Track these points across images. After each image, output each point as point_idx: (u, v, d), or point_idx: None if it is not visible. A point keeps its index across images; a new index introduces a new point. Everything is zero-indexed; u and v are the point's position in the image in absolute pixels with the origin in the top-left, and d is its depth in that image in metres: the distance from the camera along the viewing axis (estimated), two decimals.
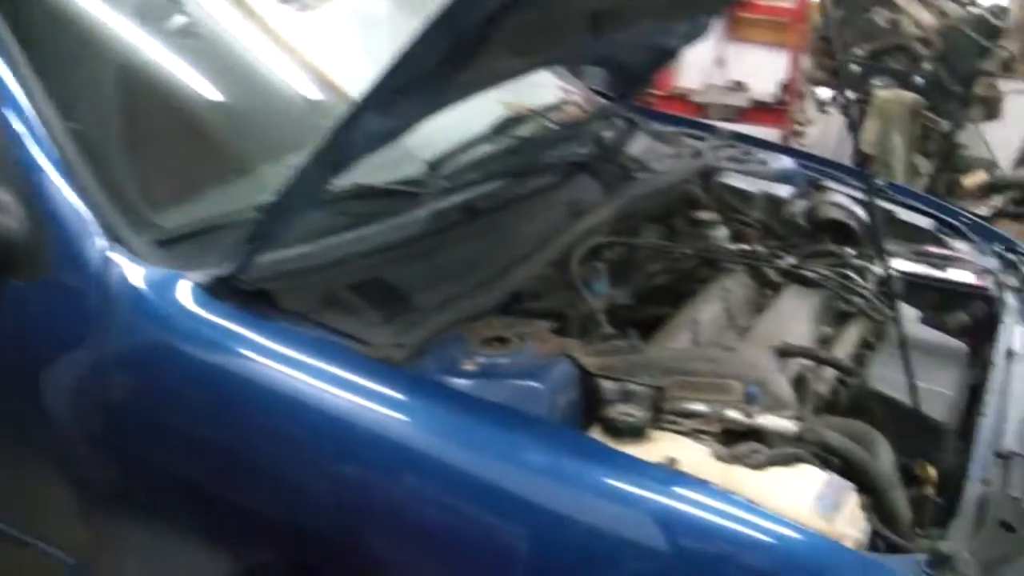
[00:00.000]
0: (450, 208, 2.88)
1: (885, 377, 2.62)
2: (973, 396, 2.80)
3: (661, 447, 2.18)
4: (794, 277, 3.15)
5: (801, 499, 2.04)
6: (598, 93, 4.26)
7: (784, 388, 2.47)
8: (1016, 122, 7.01)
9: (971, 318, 3.35)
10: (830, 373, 2.69)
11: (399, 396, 2.20)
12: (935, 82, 6.95)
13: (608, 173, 3.35)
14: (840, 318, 3.07)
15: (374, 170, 2.84)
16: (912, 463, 2.46)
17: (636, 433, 2.19)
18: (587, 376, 2.36)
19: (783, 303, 3.00)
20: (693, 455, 2.17)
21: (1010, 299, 3.34)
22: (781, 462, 2.17)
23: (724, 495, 1.99)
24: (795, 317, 2.93)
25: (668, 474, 2.04)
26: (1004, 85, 7.18)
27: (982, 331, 3.33)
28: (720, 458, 2.16)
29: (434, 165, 3.00)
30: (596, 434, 2.22)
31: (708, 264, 3.32)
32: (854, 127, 4.82)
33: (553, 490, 2.03)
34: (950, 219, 3.82)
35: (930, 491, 2.39)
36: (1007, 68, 7.14)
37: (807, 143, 7.44)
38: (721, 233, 3.43)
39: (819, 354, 2.66)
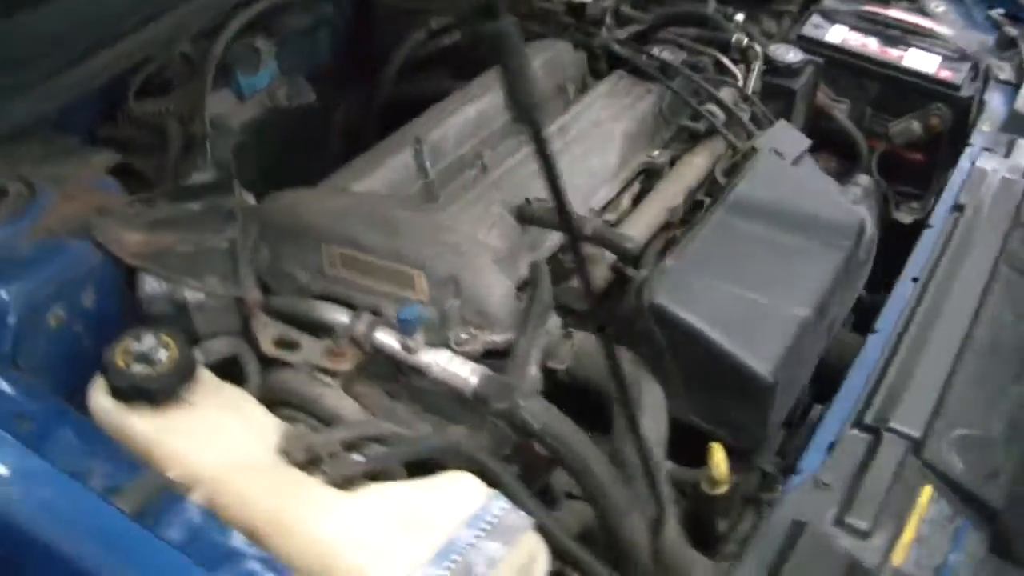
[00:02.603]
0: None
1: (712, 263, 1.55)
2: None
3: (189, 425, 1.24)
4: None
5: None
6: None
7: (492, 292, 1.45)
8: None
9: (924, 129, 2.21)
10: (607, 257, 1.63)
11: None
12: None
13: None
14: (684, 137, 1.95)
15: None
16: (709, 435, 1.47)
17: (148, 396, 1.22)
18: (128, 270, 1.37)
19: (587, 109, 1.88)
20: (241, 444, 1.22)
21: (993, 101, 2.18)
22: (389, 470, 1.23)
23: None
24: (599, 135, 1.82)
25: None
26: None
27: (938, 152, 2.22)
28: (291, 457, 1.20)
29: None
30: (100, 392, 1.24)
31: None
32: None
33: None
34: None
35: (720, 491, 1.40)
36: None
37: None
38: None
39: (581, 224, 1.58)
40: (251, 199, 1.50)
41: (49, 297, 1.31)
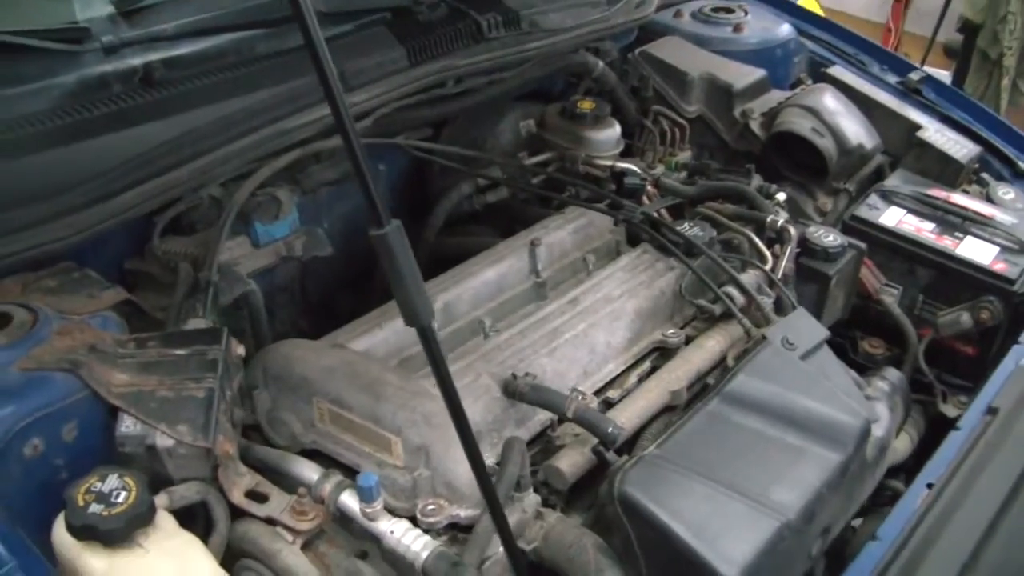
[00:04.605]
0: (111, 74, 1.90)
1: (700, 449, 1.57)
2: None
3: (135, 569, 1.31)
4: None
5: None
6: None
7: (459, 466, 1.49)
8: None
9: (975, 322, 2.20)
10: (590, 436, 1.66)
11: None
12: None
13: (441, 29, 2.24)
14: (703, 317, 1.98)
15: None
16: None
17: (99, 536, 1.30)
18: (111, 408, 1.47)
19: (603, 283, 1.94)
20: None
21: None
22: None
23: None
24: (609, 311, 1.88)
25: None
26: None
27: (989, 345, 2.20)
28: None
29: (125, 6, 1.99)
30: (60, 527, 1.34)
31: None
32: None
33: None
34: (1007, 148, 2.57)
35: None
36: None
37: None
38: (607, 136, 2.35)
39: (562, 404, 1.62)
40: (241, 350, 1.60)
41: (28, 427, 1.40)
